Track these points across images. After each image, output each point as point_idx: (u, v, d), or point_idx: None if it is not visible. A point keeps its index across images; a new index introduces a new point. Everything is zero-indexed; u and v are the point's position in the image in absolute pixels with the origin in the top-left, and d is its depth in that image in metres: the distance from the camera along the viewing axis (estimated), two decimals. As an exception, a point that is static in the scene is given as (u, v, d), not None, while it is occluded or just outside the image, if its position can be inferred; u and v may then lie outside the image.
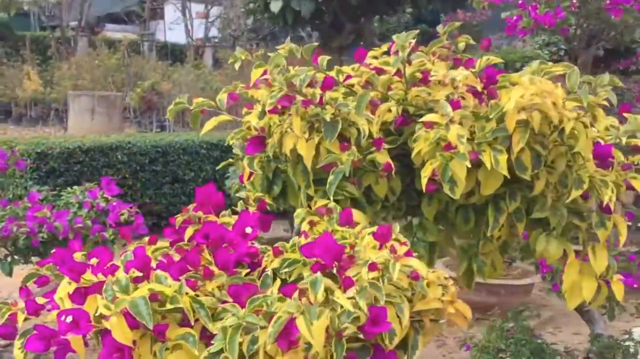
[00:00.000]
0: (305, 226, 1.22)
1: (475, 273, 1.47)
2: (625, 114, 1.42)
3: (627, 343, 2.61)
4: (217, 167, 1.62)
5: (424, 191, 1.21)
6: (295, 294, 0.87)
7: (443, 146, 1.17)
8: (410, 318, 1.08)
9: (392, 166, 1.25)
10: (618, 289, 1.48)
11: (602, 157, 1.38)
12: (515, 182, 1.40)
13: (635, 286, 2.05)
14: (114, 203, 2.62)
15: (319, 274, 0.90)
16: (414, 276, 0.99)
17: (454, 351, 3.43)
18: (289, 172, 1.39)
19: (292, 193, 1.47)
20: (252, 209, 1.38)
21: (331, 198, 1.22)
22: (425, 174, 1.20)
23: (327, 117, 1.22)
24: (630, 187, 1.52)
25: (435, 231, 1.46)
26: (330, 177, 1.22)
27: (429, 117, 1.19)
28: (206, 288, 1.02)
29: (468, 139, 1.25)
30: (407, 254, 1.01)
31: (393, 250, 0.99)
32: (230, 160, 1.57)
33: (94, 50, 10.90)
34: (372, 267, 0.98)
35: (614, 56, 6.57)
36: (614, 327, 3.15)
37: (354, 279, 0.99)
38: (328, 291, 0.92)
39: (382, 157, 1.26)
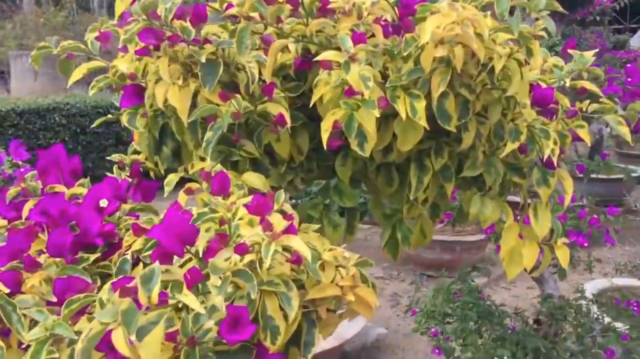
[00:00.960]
0: (181, 197, 0.97)
1: (401, 242, 1.25)
2: (570, 51, 1.19)
3: (579, 302, 2.45)
4: (93, 126, 1.34)
5: (325, 147, 0.97)
6: (119, 295, 0.63)
7: (344, 91, 0.92)
8: (303, 308, 0.85)
9: (286, 118, 1.00)
10: (563, 255, 1.27)
11: (543, 103, 1.16)
12: (442, 136, 1.16)
13: (585, 244, 1.87)
14: (22, 169, 2.34)
15: (156, 265, 0.66)
16: (294, 260, 0.75)
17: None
18: (173, 129, 1.13)
19: (187, 155, 1.22)
20: (124, 176, 1.13)
21: (208, 159, 0.97)
22: (326, 128, 0.96)
23: (203, 59, 0.96)
24: (577, 138, 1.30)
25: (353, 195, 1.23)
26: (208, 134, 0.96)
27: (324, 56, 0.94)
28: (32, 281, 0.78)
29: (380, 82, 1.00)
30: (290, 229, 0.77)
31: (268, 226, 0.75)
32: (110, 116, 1.29)
33: (39, 8, 10.30)
34: (240, 249, 0.74)
35: (571, 5, 6.34)
36: (569, 280, 2.97)
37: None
38: (174, 287, 0.68)
39: (274, 108, 1.00)
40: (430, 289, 3.01)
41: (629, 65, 1.87)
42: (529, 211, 1.28)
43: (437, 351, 2.24)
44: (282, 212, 0.84)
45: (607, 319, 2.42)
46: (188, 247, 0.75)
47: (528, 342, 2.18)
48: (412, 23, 0.99)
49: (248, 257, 0.76)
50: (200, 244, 0.77)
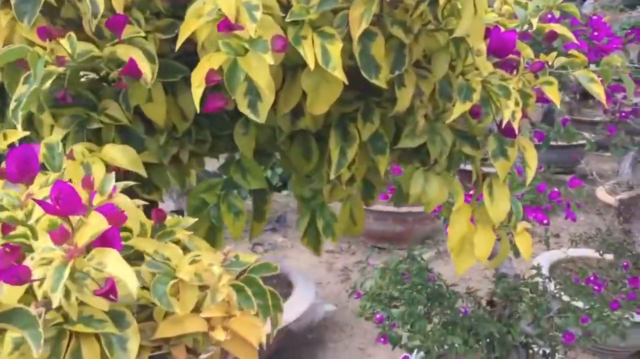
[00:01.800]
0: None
1: (322, 231, 0.96)
2: (536, -16, 0.90)
3: (535, 279, 2.23)
4: None
5: (197, 110, 0.66)
6: None
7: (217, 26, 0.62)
8: (153, 350, 0.56)
9: (141, 67, 0.68)
10: (524, 243, 1.01)
11: (502, 52, 0.87)
12: (373, 95, 0.87)
13: (545, 222, 1.62)
14: None
15: None
16: (106, 291, 0.45)
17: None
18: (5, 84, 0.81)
19: (38, 122, 0.89)
20: None
21: (18, 125, 0.65)
22: (197, 82, 0.65)
23: (15, -21, 0.64)
24: (543, 99, 1.02)
25: (259, 174, 0.93)
26: (19, 90, 0.65)
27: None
28: None
29: (281, 16, 0.70)
30: (108, 237, 0.47)
31: (62, 236, 0.45)
32: None
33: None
34: (17, 276, 0.44)
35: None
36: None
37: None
38: None
39: (125, 51, 0.69)
40: (379, 265, 2.76)
41: (594, 17, 1.60)
42: (482, 189, 1.01)
43: (382, 339, 1.99)
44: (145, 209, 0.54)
45: (565, 298, 2.21)
46: None
47: (480, 328, 1.94)
48: None
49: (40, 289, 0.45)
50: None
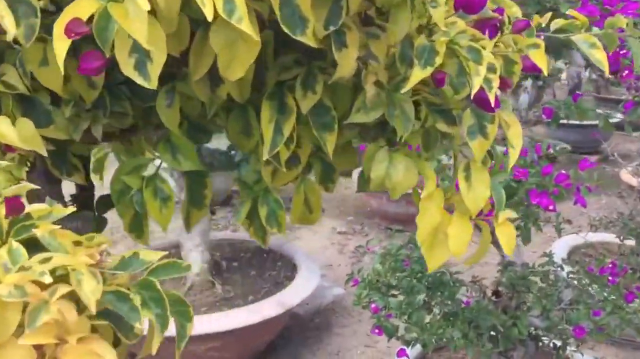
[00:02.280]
0: None
1: (264, 221, 0.82)
2: None
3: (546, 268, 2.05)
4: None
5: (62, 72, 0.52)
6: None
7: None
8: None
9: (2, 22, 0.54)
10: (506, 237, 0.85)
11: (472, 6, 0.71)
12: (317, 58, 0.72)
13: (551, 207, 1.45)
14: None
15: None
16: None
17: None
18: None
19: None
20: None
21: None
22: (58, 36, 0.51)
23: None
24: (531, 67, 0.85)
25: (192, 153, 0.79)
26: None
27: None
28: None
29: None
30: None
31: None
32: None
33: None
34: None
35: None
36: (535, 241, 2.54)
37: None
38: None
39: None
40: (388, 247, 2.61)
41: (609, -22, 1.41)
42: (458, 173, 0.85)
43: (376, 330, 1.84)
44: None
45: (578, 288, 2.03)
46: None
47: (482, 319, 1.79)
48: None
49: None
50: None
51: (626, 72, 1.65)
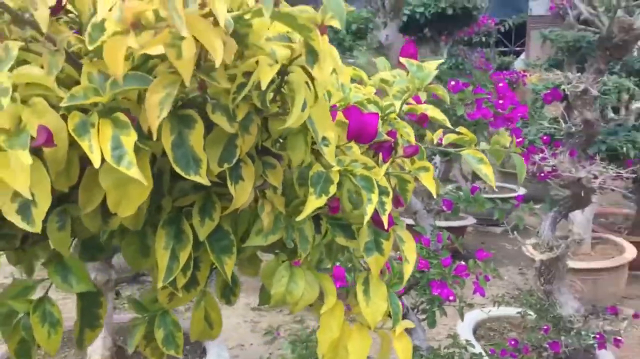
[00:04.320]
0: None
1: (161, 344, 0.79)
2: (404, 61, 0.77)
3: (451, 350, 2.09)
4: None
5: None
6: None
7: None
8: None
9: None
10: (404, 349, 0.86)
11: (364, 136, 0.74)
12: (215, 184, 0.72)
13: (451, 298, 1.49)
14: None
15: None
16: None
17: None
18: None
19: None
20: None
21: None
22: None
23: None
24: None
25: (85, 274, 0.75)
26: None
27: None
28: None
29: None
30: None
31: None
32: None
33: None
34: None
35: (457, 24, 6.16)
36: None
37: None
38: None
39: None
40: (299, 333, 2.58)
41: (500, 84, 1.52)
42: (357, 286, 0.86)
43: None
44: None
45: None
46: None
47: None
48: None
49: None
50: None
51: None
